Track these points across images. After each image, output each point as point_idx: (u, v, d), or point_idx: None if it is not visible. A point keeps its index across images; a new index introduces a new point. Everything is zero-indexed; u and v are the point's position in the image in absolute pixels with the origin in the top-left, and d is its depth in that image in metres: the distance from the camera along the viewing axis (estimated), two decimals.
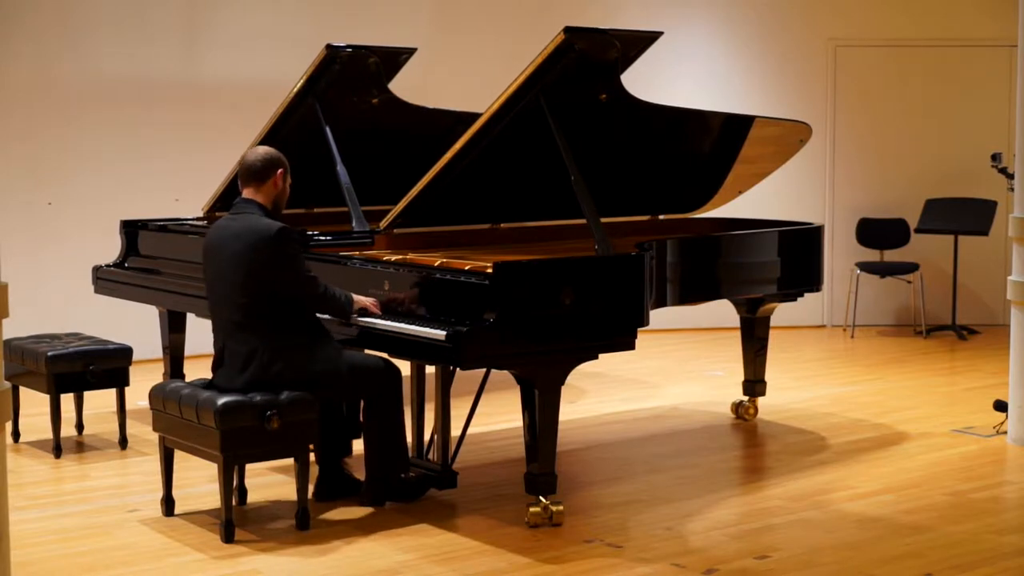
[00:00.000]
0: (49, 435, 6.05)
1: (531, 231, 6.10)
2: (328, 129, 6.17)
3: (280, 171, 4.94)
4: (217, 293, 4.88)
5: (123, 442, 6.13)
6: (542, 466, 4.78)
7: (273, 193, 4.93)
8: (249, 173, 4.93)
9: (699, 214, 6.75)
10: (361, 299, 4.98)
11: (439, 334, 4.59)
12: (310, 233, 5.66)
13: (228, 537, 4.66)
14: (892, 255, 9.94)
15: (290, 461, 4.86)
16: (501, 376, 5.24)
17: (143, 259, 6.85)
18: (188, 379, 5.47)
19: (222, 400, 4.63)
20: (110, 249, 7.12)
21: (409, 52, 6.52)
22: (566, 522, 4.85)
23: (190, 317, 6.75)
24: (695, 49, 9.85)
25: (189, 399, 4.74)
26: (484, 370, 5.26)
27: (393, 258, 5.21)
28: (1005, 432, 6.22)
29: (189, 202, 7.56)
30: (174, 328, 6.82)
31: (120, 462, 5.92)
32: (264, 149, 5.00)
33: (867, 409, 7.03)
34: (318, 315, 4.93)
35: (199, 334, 7.12)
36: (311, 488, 5.04)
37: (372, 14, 9.09)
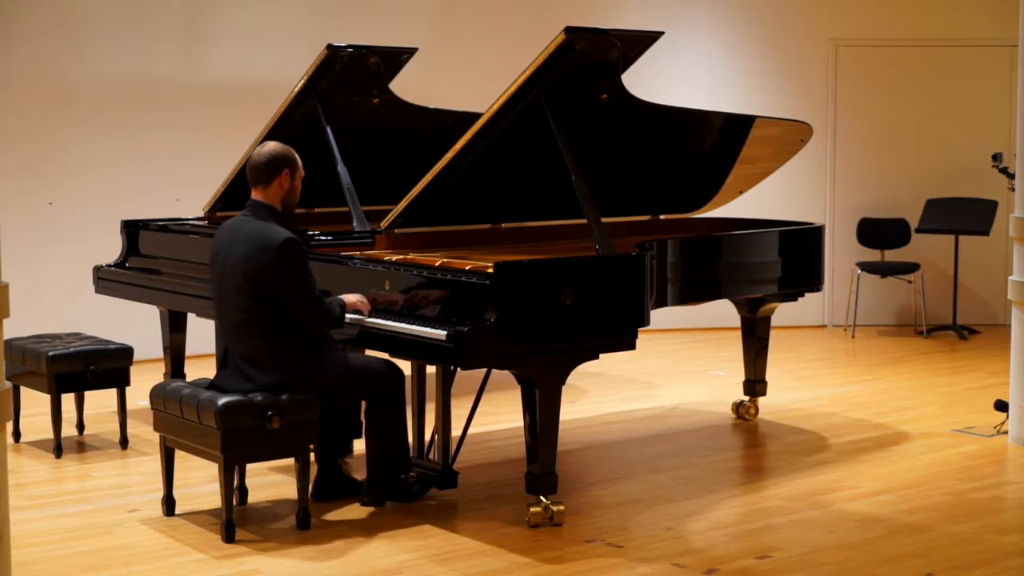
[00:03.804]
0: (50, 435, 6.05)
1: (532, 231, 6.10)
2: (329, 129, 6.18)
3: (285, 171, 4.83)
4: (221, 294, 4.87)
5: (124, 442, 6.13)
6: (543, 466, 4.78)
7: (280, 194, 4.85)
8: (254, 175, 4.86)
9: (700, 214, 6.75)
10: (351, 299, 4.94)
11: (440, 334, 4.59)
12: (311, 233, 5.67)
13: (229, 537, 4.66)
14: (893, 255, 9.94)
15: (291, 461, 4.86)
16: (501, 376, 5.24)
17: (144, 259, 6.85)
18: (189, 379, 5.47)
19: (223, 400, 4.63)
20: (110, 249, 7.11)
21: (410, 52, 6.53)
22: (567, 522, 4.85)
23: (191, 317, 6.74)
24: (695, 49, 9.85)
25: (190, 399, 4.74)
26: (485, 370, 5.26)
27: (394, 258, 5.21)
28: (1006, 432, 6.22)
29: (190, 202, 7.56)
30: (175, 328, 6.82)
31: (121, 462, 5.92)
32: (270, 147, 4.88)
33: (868, 409, 7.03)
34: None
35: (200, 334, 7.13)
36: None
37: (373, 14, 9.09)
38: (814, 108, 9.83)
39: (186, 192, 8.06)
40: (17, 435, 6.27)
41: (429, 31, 9.17)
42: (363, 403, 5.06)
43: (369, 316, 4.96)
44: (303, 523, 4.79)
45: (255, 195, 4.88)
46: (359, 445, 5.36)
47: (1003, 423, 6.28)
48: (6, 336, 4.27)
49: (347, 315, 4.91)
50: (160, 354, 6.99)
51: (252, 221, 4.83)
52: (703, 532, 4.79)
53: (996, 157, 8.41)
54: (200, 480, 5.40)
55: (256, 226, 4.79)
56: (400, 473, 5.05)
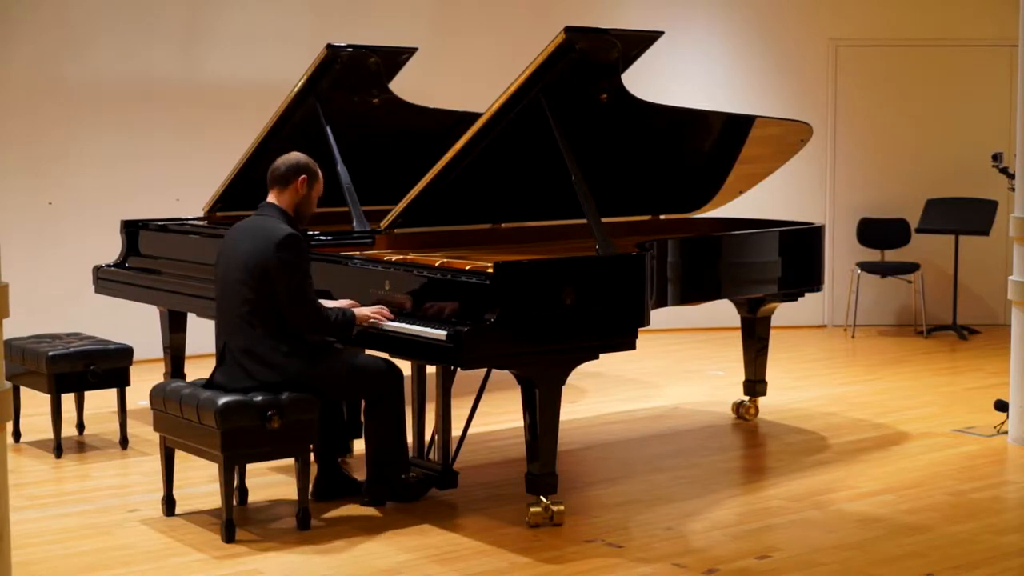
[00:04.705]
0: (50, 435, 6.05)
1: (532, 231, 6.10)
2: (329, 129, 6.18)
3: (303, 178, 4.92)
4: (225, 289, 4.89)
5: (124, 442, 6.13)
6: (543, 466, 4.78)
7: (294, 199, 4.92)
8: (272, 177, 4.95)
9: (700, 214, 6.75)
10: (364, 311, 4.89)
11: (440, 334, 4.59)
12: (311, 233, 5.66)
13: (229, 537, 4.66)
14: (893, 255, 9.94)
15: (291, 461, 4.86)
16: (501, 376, 5.24)
17: (144, 259, 6.85)
18: (189, 379, 5.47)
19: (223, 400, 4.63)
20: (110, 249, 7.11)
21: (410, 52, 6.53)
22: (567, 522, 4.85)
23: (191, 317, 6.74)
24: (695, 49, 9.85)
25: (190, 399, 4.74)
26: (485, 370, 5.26)
27: (394, 258, 5.21)
28: (1006, 432, 6.22)
29: (189, 202, 7.56)
30: (175, 328, 6.82)
31: (121, 462, 5.92)
32: (295, 155, 4.99)
33: (868, 409, 7.03)
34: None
35: (200, 334, 7.12)
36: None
37: (373, 14, 9.09)
38: (814, 108, 9.83)
39: (186, 192, 8.06)
40: (17, 435, 6.27)
41: (429, 31, 9.17)
42: (363, 403, 5.07)
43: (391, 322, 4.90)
44: (303, 523, 4.79)
45: (271, 197, 4.96)
46: (359, 445, 5.36)
47: (1003, 423, 6.28)
48: (6, 336, 4.27)
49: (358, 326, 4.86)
50: (160, 354, 6.99)
51: (260, 219, 4.91)
52: (703, 532, 4.79)
53: (996, 157, 8.41)
54: (200, 480, 5.40)
55: (262, 222, 4.86)
56: (400, 473, 5.05)
